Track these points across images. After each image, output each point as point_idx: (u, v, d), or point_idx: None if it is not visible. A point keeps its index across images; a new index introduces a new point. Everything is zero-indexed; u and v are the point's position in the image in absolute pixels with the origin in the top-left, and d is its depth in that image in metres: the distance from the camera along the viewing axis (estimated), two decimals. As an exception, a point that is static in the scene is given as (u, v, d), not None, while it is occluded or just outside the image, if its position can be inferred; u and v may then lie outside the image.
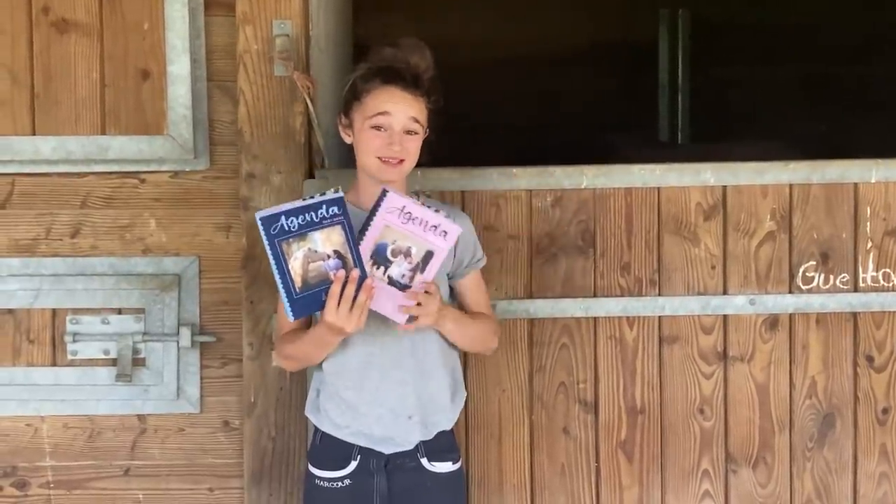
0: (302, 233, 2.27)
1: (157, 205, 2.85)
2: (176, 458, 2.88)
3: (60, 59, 2.81)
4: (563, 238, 2.84)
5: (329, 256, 2.29)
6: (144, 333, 2.84)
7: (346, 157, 2.72)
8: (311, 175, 2.82)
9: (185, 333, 2.83)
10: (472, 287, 2.55)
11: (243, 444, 2.83)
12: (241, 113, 2.78)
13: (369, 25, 4.02)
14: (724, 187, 2.85)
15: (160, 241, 2.86)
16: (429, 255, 2.34)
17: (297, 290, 2.27)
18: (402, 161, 2.41)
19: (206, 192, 2.85)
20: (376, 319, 2.39)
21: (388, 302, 2.33)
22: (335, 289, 2.28)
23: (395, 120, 2.40)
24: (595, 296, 2.84)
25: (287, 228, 2.26)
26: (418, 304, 2.33)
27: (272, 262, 2.26)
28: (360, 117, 2.43)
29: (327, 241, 2.29)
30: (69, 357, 2.84)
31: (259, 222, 2.25)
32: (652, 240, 2.85)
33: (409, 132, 2.41)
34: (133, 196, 2.85)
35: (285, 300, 2.28)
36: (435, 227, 2.33)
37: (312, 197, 2.29)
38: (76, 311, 2.84)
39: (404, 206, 2.34)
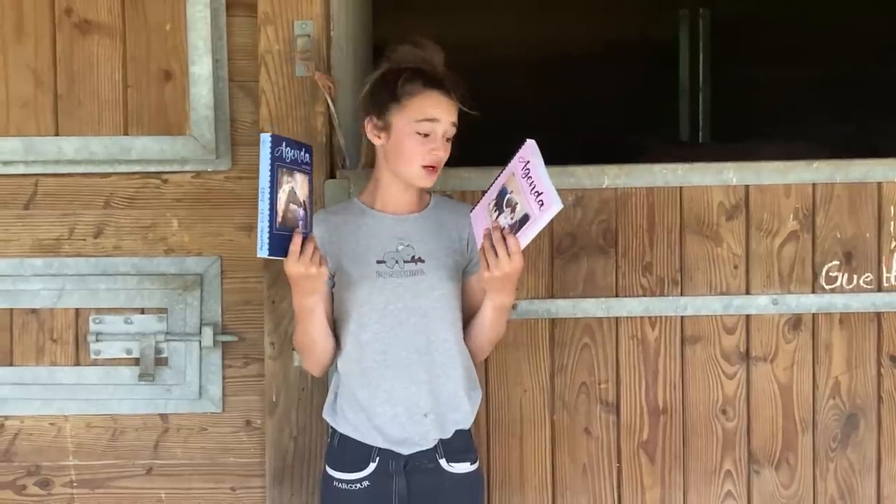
0: (291, 168, 2.24)
1: (179, 205, 2.86)
2: (198, 458, 2.89)
3: (83, 60, 2.82)
4: (584, 238, 2.83)
5: (301, 205, 2.26)
6: (167, 333, 2.85)
7: (366, 158, 2.72)
8: (332, 175, 2.82)
9: (208, 333, 2.84)
10: (478, 288, 2.49)
11: (265, 444, 2.84)
12: (263, 113, 2.78)
13: (388, 26, 4.02)
14: (747, 187, 2.84)
15: (182, 241, 2.87)
16: (525, 219, 2.26)
17: (277, 224, 2.21)
18: (436, 167, 2.41)
19: (228, 192, 2.86)
20: (390, 318, 2.39)
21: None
22: (299, 242, 2.25)
23: (440, 127, 2.40)
24: (617, 295, 2.84)
25: (284, 157, 2.22)
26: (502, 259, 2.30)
27: (266, 184, 2.18)
28: (402, 121, 2.40)
29: (302, 187, 2.27)
30: (92, 357, 2.86)
31: (269, 139, 2.18)
32: (674, 239, 2.84)
33: (448, 138, 2.42)
34: (156, 196, 2.86)
35: (264, 231, 2.19)
36: (538, 193, 2.23)
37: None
38: (99, 310, 2.86)
39: (528, 162, 2.27)
